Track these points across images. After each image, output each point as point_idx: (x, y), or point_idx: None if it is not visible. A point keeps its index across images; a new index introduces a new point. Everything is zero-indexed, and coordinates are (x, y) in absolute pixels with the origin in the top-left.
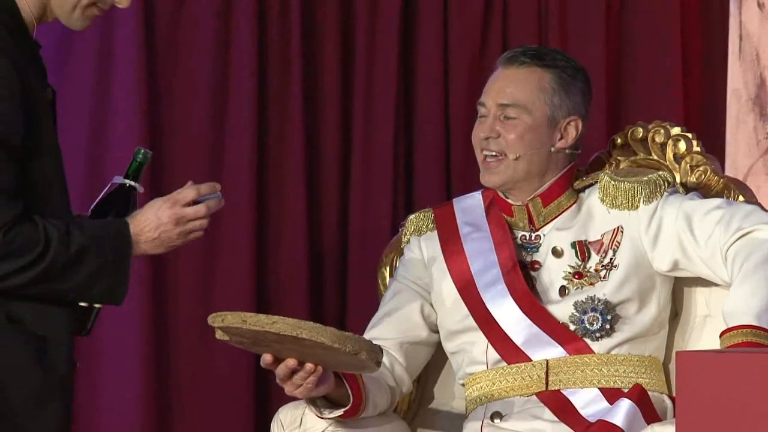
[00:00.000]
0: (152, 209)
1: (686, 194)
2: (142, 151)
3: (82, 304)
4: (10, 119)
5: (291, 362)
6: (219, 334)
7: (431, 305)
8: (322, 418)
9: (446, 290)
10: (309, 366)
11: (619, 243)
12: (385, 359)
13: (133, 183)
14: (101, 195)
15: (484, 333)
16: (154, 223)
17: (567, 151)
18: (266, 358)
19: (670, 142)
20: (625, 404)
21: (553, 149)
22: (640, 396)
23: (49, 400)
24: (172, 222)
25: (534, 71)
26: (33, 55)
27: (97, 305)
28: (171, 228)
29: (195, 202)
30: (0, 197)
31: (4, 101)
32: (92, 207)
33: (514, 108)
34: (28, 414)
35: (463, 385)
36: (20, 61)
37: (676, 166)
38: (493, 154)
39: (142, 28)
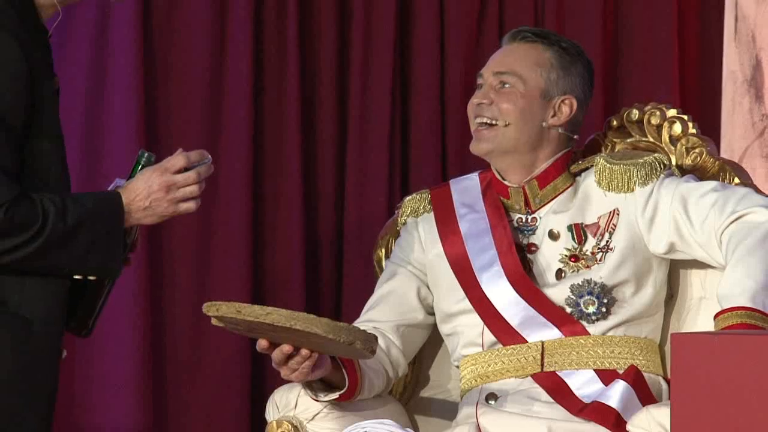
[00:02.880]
0: (143, 178)
1: (682, 177)
2: (146, 154)
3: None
4: (11, 100)
5: (286, 348)
6: (214, 321)
7: (428, 287)
8: (318, 401)
9: (442, 272)
10: (305, 351)
11: (615, 226)
12: (381, 342)
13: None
14: None
15: (479, 315)
16: (145, 191)
17: (560, 130)
18: (262, 344)
19: (665, 124)
20: (620, 386)
21: (544, 124)
22: (635, 377)
23: (29, 390)
24: (163, 189)
25: (535, 47)
26: (41, 41)
27: (102, 292)
28: (162, 196)
29: (186, 170)
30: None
31: (5, 82)
32: None
33: (509, 75)
34: (5, 405)
35: (458, 367)
36: (29, 44)
37: (672, 148)
38: (485, 121)
39: (140, 17)
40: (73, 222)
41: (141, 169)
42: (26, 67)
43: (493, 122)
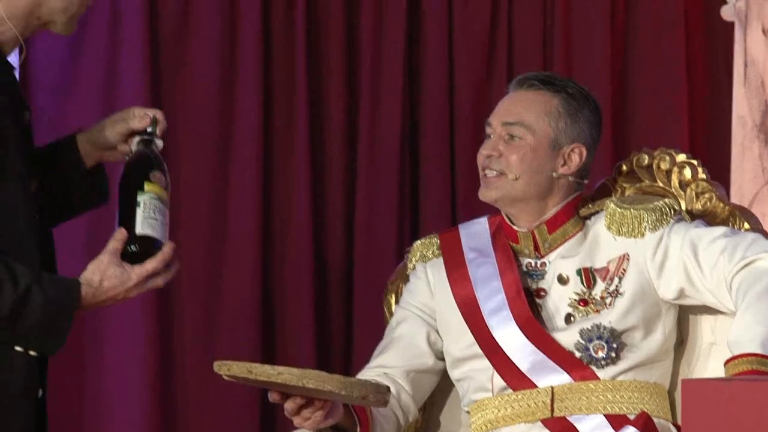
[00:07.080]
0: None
1: (692, 222)
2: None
3: None
4: None
5: (299, 399)
6: (226, 377)
7: (437, 332)
8: None
9: (451, 317)
10: (317, 402)
11: (625, 270)
12: (391, 388)
13: (149, 136)
14: (126, 161)
15: (489, 359)
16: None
17: (570, 178)
18: (274, 396)
19: (675, 169)
20: None
21: (554, 174)
22: (645, 423)
23: None
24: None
25: (542, 94)
26: (5, 79)
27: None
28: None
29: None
30: None
31: None
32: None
33: (517, 127)
34: None
35: (468, 412)
36: None
37: (682, 193)
38: (494, 175)
39: (147, 32)
40: (25, 287)
41: (147, 138)
42: None
43: (500, 174)
